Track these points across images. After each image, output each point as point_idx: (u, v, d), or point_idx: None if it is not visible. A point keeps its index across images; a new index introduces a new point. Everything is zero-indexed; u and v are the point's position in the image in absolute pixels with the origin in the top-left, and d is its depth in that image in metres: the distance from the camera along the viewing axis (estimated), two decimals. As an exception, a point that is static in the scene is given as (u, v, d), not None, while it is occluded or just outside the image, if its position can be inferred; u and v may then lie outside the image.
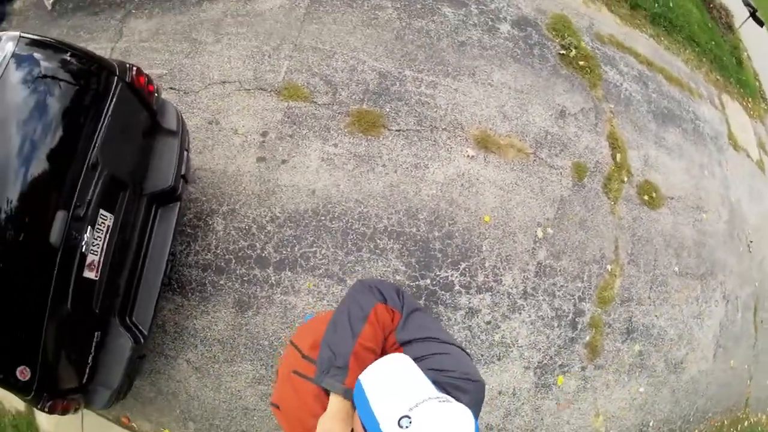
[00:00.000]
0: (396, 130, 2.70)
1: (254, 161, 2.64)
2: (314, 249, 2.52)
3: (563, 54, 3.47)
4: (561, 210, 3.06)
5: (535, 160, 3.01)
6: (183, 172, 2.23)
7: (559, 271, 3.04)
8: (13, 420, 3.16)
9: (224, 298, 2.53)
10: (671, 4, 5.16)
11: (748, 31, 7.24)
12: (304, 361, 1.00)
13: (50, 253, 1.70)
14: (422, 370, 0.79)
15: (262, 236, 2.54)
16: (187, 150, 2.32)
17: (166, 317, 2.56)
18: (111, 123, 1.88)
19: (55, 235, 1.68)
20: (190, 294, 2.55)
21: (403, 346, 0.91)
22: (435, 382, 0.78)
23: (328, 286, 2.52)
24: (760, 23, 7.01)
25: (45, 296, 1.72)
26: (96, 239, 1.88)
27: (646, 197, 3.70)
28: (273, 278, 2.51)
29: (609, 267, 3.34)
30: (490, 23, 3.21)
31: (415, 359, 0.84)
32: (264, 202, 2.58)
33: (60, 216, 1.69)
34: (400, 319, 0.95)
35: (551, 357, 3.09)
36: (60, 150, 1.74)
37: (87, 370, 2.00)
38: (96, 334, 2.00)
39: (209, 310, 2.53)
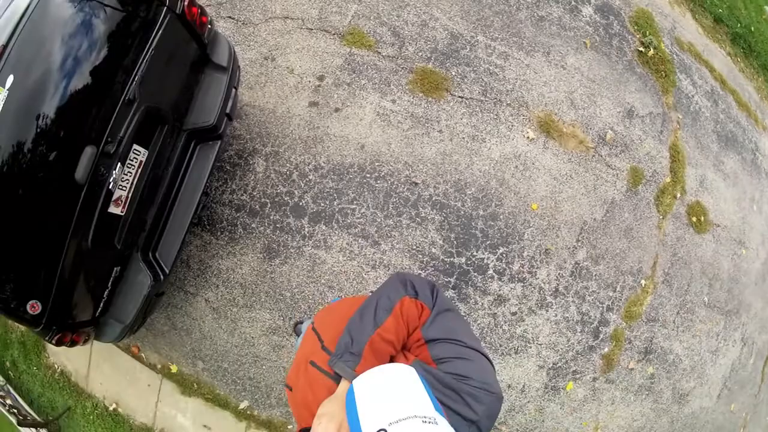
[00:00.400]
0: (459, 97, 2.53)
1: (306, 105, 2.50)
2: (354, 206, 2.39)
3: (641, 51, 3.23)
4: (610, 213, 2.90)
5: (594, 156, 2.82)
6: (228, 111, 2.10)
7: (595, 275, 2.90)
8: (21, 337, 3.16)
9: (253, 242, 2.43)
10: (753, 29, 4.85)
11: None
12: (322, 352, 0.95)
13: (74, 189, 1.62)
14: (441, 372, 0.79)
15: (303, 184, 2.42)
16: (235, 87, 2.17)
17: (192, 253, 2.48)
18: (155, 56, 1.75)
19: (81, 171, 1.60)
20: (219, 233, 2.45)
21: (427, 343, 0.87)
22: (451, 388, 0.77)
23: (362, 247, 2.40)
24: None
25: (65, 232, 1.66)
26: (126, 175, 1.80)
27: (694, 219, 3.51)
28: (306, 229, 2.40)
29: (643, 282, 3.19)
30: (573, 3, 2.98)
31: (437, 360, 0.83)
32: (310, 149, 2.45)
33: (88, 152, 1.60)
34: (429, 315, 0.92)
35: (567, 361, 2.99)
36: (95, 82, 1.62)
37: (101, 305, 1.95)
38: (115, 269, 1.94)
39: (236, 252, 2.44)
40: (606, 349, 3.13)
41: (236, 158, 2.50)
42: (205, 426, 2.57)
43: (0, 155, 1.47)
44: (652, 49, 3.30)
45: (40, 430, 3.03)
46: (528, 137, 2.61)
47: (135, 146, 1.80)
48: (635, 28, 3.28)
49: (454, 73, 2.54)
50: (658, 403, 3.61)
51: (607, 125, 2.90)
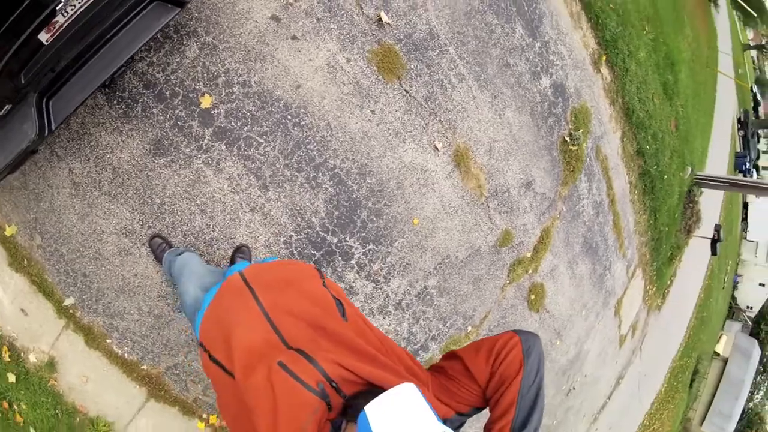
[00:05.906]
0: (405, 90, 3.17)
1: (268, 16, 2.80)
2: (261, 141, 2.81)
3: (566, 141, 4.37)
4: (471, 258, 3.90)
5: (482, 204, 3.78)
6: None
7: (435, 305, 3.86)
8: None
9: (146, 129, 2.59)
10: (665, 177, 6.66)
11: (698, 246, 9.45)
12: (293, 353, 1.08)
13: None
14: None
15: (223, 93, 2.71)
16: None
17: (77, 112, 2.48)
18: None
19: None
20: (115, 102, 2.55)
21: None
22: None
23: (250, 185, 2.79)
24: (714, 251, 9.38)
25: None
26: (75, 3, 1.86)
27: (532, 296, 4.81)
28: (206, 141, 2.68)
29: (469, 328, 4.29)
30: (538, 68, 3.92)
31: None
32: (249, 61, 2.77)
33: None
34: None
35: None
36: None
37: None
38: (6, 107, 1.97)
39: (124, 131, 2.57)
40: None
41: (172, 32, 2.62)
42: (23, 310, 2.66)
43: None
44: (576, 145, 4.48)
45: None
46: (440, 159, 3.43)
47: None
48: (572, 119, 4.41)
49: (412, 67, 3.18)
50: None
51: (506, 184, 3.93)
